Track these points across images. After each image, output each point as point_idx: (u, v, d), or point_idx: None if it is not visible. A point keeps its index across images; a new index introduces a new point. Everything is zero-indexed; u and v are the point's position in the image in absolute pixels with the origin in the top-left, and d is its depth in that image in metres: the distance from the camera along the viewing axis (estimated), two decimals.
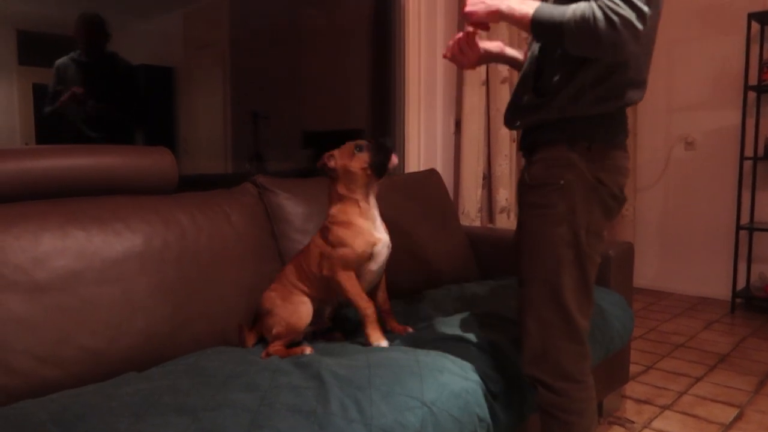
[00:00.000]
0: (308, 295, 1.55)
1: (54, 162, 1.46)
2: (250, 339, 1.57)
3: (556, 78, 1.24)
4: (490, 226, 3.13)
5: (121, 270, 1.41)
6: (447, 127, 3.08)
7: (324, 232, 1.55)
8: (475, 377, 1.32)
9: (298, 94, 2.81)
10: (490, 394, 1.33)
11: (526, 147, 1.34)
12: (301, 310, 1.52)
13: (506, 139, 3.09)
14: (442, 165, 3.02)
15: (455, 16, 3.04)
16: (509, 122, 1.42)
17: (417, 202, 2.28)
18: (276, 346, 1.48)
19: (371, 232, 1.52)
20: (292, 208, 1.88)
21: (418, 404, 1.16)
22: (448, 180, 3.03)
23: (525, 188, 1.31)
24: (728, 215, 3.86)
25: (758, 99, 3.76)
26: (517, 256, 1.33)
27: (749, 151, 3.75)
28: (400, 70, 2.95)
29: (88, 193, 1.53)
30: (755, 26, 3.68)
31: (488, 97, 3.07)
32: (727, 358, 2.84)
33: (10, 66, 1.92)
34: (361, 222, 1.52)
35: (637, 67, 1.24)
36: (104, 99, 2.12)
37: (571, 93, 1.23)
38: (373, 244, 1.51)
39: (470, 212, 2.99)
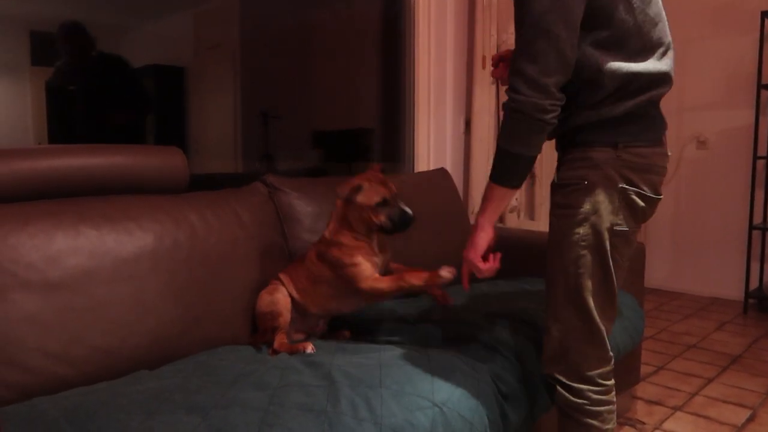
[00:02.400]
0: (302, 305, 1.56)
1: (66, 161, 1.47)
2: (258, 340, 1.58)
3: (572, 93, 1.23)
4: (499, 225, 3.13)
5: (132, 269, 1.42)
6: (457, 126, 3.07)
7: (322, 254, 1.53)
8: (487, 378, 1.32)
9: (308, 94, 2.81)
10: (501, 395, 1.33)
11: (558, 148, 1.34)
12: (277, 297, 1.54)
13: None
14: (451, 164, 3.02)
15: (465, 16, 3.03)
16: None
17: (426, 202, 2.28)
18: (278, 341, 1.49)
19: (370, 254, 1.50)
20: (303, 207, 1.89)
21: (428, 404, 1.16)
22: (457, 179, 3.02)
23: (553, 188, 1.30)
24: (741, 215, 3.82)
25: None
26: (547, 258, 1.33)
27: (762, 151, 3.72)
28: (409, 70, 2.95)
29: (100, 193, 1.54)
30: None
31: (498, 96, 3.06)
32: (739, 359, 2.82)
33: (23, 66, 1.94)
34: (359, 245, 1.50)
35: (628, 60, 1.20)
36: (102, 100, 2.12)
37: (589, 103, 1.21)
38: (374, 264, 1.50)
39: None
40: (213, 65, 2.50)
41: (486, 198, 1.28)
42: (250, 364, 1.33)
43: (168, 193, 1.66)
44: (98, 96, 2.14)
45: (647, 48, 1.21)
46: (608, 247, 1.23)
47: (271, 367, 1.29)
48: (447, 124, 3.01)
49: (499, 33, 3.01)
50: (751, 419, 2.19)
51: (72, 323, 1.31)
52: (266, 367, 1.30)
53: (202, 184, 1.83)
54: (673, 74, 1.25)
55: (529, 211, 3.28)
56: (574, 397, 1.28)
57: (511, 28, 3.00)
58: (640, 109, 1.22)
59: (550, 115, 1.16)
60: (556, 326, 1.29)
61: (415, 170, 2.94)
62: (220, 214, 1.66)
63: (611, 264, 1.24)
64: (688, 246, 4.11)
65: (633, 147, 1.22)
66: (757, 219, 3.78)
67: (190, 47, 2.40)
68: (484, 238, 1.30)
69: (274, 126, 2.63)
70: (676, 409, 2.27)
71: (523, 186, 3.21)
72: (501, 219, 3.14)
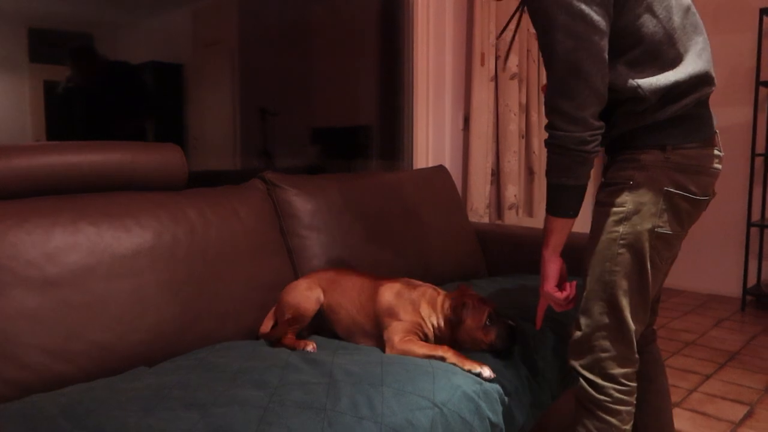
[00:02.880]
0: (327, 319, 1.56)
1: (65, 158, 1.47)
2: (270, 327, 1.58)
3: (615, 104, 1.23)
4: (498, 222, 3.13)
5: (131, 265, 1.42)
6: (455, 123, 3.07)
7: (391, 306, 1.48)
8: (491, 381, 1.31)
9: (307, 91, 2.81)
10: (504, 395, 1.33)
11: (607, 152, 1.34)
12: (310, 296, 1.54)
13: (515, 135, 3.07)
14: (450, 161, 3.02)
15: (464, 13, 3.03)
16: None
17: (425, 198, 2.28)
18: (290, 336, 1.49)
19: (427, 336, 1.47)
20: (301, 204, 1.89)
21: (428, 404, 1.15)
22: (456, 176, 3.02)
23: (600, 187, 1.32)
24: (739, 212, 3.83)
25: None
26: (585, 252, 1.33)
27: (761, 148, 3.72)
28: (408, 67, 2.94)
29: (98, 189, 1.54)
30: (767, 21, 3.64)
31: (497, 93, 3.06)
32: (737, 356, 2.82)
33: (21, 63, 1.93)
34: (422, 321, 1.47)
35: (662, 70, 1.19)
36: (111, 106, 2.14)
37: (635, 111, 1.21)
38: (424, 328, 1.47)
39: (478, 209, 2.98)
40: (211, 62, 2.49)
41: (548, 230, 1.28)
42: (250, 361, 1.33)
43: (167, 189, 1.66)
44: (106, 102, 2.15)
45: (683, 51, 1.20)
46: (648, 249, 1.23)
47: (272, 365, 1.29)
48: (446, 120, 3.01)
49: (497, 30, 3.00)
50: (748, 415, 2.19)
51: (70, 320, 1.31)
52: (266, 364, 1.30)
53: (200, 180, 1.82)
54: (713, 71, 1.25)
55: (528, 208, 3.28)
56: (596, 392, 1.28)
57: (510, 25, 3.00)
58: (687, 111, 1.22)
59: (591, 146, 1.18)
60: (585, 320, 1.29)
61: (414, 167, 2.94)
62: (219, 211, 1.66)
63: (649, 266, 1.24)
64: (687, 243, 4.12)
65: (682, 149, 1.21)
66: (756, 216, 3.79)
67: (189, 44, 2.39)
68: (554, 269, 1.30)
69: (273, 123, 2.62)
70: (674, 405, 2.27)
71: (522, 183, 3.21)
72: (500, 216, 3.14)
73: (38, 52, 1.94)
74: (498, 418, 1.27)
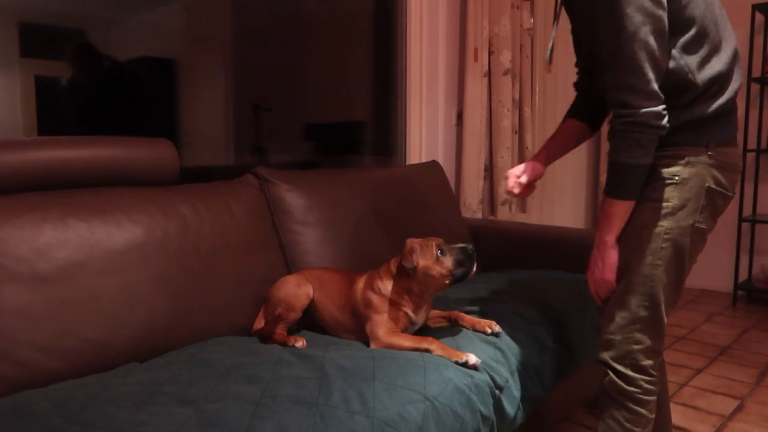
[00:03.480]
0: (315, 315, 1.56)
1: (55, 153, 1.46)
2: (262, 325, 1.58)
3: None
4: (491, 218, 3.13)
5: (122, 261, 1.42)
6: (449, 118, 3.07)
7: (364, 294, 1.48)
8: (481, 373, 1.31)
9: (300, 87, 2.80)
10: (496, 388, 1.33)
11: None
12: (299, 292, 1.54)
13: (508, 131, 3.08)
14: (443, 157, 3.02)
15: (457, 8, 3.02)
16: None
17: (418, 194, 2.28)
18: (278, 331, 1.49)
19: (411, 311, 1.46)
20: (294, 199, 1.88)
21: (420, 398, 1.16)
22: (449, 172, 3.03)
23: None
24: (731, 207, 3.84)
25: (762, 91, 3.75)
26: (621, 245, 1.34)
27: (752, 143, 3.74)
28: (402, 62, 2.94)
29: (89, 185, 1.53)
30: (759, 18, 3.65)
31: (490, 88, 3.06)
32: (728, 351, 2.84)
33: (12, 58, 1.91)
34: (404, 307, 1.45)
35: (704, 67, 1.22)
36: (107, 104, 2.14)
37: (681, 104, 1.23)
38: (408, 321, 1.46)
39: (472, 204, 2.99)
40: (204, 57, 2.48)
41: (612, 216, 1.28)
42: (242, 357, 1.33)
43: (158, 185, 1.65)
44: (98, 97, 2.15)
45: (723, 39, 1.24)
46: (688, 244, 1.27)
47: (264, 360, 1.29)
48: (439, 116, 3.01)
49: (491, 25, 3.00)
50: (739, 409, 2.21)
51: (61, 316, 1.30)
52: (258, 359, 1.30)
53: (193, 176, 1.81)
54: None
55: (521, 204, 3.28)
56: (626, 384, 1.31)
57: (504, 20, 3.01)
58: (728, 105, 1.26)
59: (665, 120, 1.19)
60: (621, 313, 1.31)
61: (407, 162, 2.94)
62: (211, 207, 1.65)
63: (687, 260, 1.28)
64: None
65: (722, 147, 1.26)
66: (747, 212, 3.81)
67: (181, 39, 2.38)
68: (615, 256, 1.32)
69: (266, 118, 2.61)
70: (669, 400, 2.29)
71: None
72: (492, 212, 3.15)
73: (29, 47, 1.93)
74: (489, 411, 1.28)
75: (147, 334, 1.42)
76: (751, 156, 3.77)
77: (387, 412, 1.10)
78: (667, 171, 1.26)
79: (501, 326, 1.52)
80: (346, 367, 1.23)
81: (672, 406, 2.23)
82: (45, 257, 1.32)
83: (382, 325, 1.42)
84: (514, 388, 1.40)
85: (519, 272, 2.15)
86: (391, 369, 1.22)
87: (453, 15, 3.01)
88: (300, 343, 1.43)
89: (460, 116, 3.05)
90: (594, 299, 1.41)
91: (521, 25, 3.16)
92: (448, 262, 1.40)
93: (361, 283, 1.51)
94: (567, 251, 2.20)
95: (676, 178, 1.25)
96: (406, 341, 1.38)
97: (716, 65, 1.22)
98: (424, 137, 2.95)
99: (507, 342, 1.48)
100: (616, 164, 1.24)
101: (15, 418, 1.05)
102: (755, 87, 3.71)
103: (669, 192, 1.26)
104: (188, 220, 1.57)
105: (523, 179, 1.48)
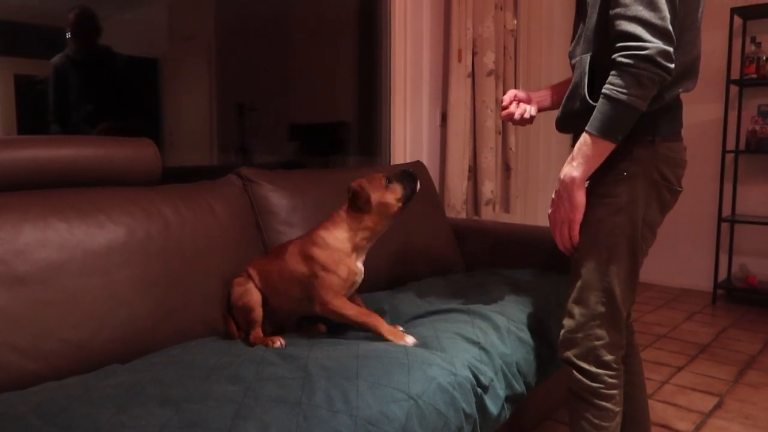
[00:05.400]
0: (272, 305, 1.56)
1: (35, 153, 1.44)
2: (234, 327, 1.57)
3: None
4: (475, 218, 3.15)
5: (103, 262, 1.40)
6: (433, 119, 3.08)
7: (306, 253, 1.50)
8: (464, 372, 1.32)
9: (284, 87, 2.79)
10: (479, 387, 1.34)
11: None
12: (245, 290, 1.54)
13: (492, 132, 3.10)
14: (428, 157, 3.03)
15: (441, 9, 3.04)
16: (563, 129, 1.40)
17: None
18: (253, 334, 1.51)
19: (355, 263, 1.50)
20: (278, 199, 1.88)
21: (403, 397, 1.16)
22: (434, 172, 3.03)
23: (591, 177, 1.29)
24: (710, 208, 3.91)
25: (740, 93, 3.81)
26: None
27: (731, 145, 3.80)
28: (386, 63, 2.94)
29: (69, 185, 1.51)
30: (738, 21, 3.71)
31: (474, 89, 3.07)
32: (707, 349, 2.88)
33: None
34: (348, 251, 1.49)
35: (683, 52, 1.21)
36: (102, 94, 2.12)
37: None
38: (355, 274, 1.50)
39: (456, 204, 3.00)
40: (188, 56, 2.46)
41: (586, 155, 1.20)
42: (224, 357, 1.32)
43: (140, 185, 1.64)
44: (79, 96, 2.12)
45: (695, 35, 1.25)
46: (640, 238, 1.28)
47: (246, 360, 1.29)
48: (423, 117, 3.02)
49: (475, 26, 3.02)
50: (718, 406, 2.24)
51: (41, 317, 1.29)
52: (241, 360, 1.29)
53: (175, 176, 1.80)
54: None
55: (504, 204, 3.30)
56: (590, 381, 1.31)
57: (488, 22, 3.02)
58: (675, 101, 1.27)
59: (672, 66, 1.13)
60: (579, 310, 1.32)
61: (392, 163, 2.94)
62: (194, 207, 1.64)
63: (639, 254, 1.29)
64: (659, 238, 4.16)
65: (667, 142, 1.26)
66: (726, 212, 3.87)
67: (165, 38, 2.37)
68: (584, 196, 1.26)
69: (250, 118, 2.60)
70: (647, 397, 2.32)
71: (499, 178, 3.24)
72: (476, 212, 3.16)
73: (8, 46, 1.90)
74: (472, 409, 1.28)
75: (129, 335, 1.40)
76: (729, 157, 3.83)
77: (370, 411, 1.10)
78: (615, 166, 1.26)
79: (484, 326, 1.53)
80: (329, 366, 1.23)
81: (652, 403, 2.26)
82: (24, 258, 1.30)
83: (331, 287, 1.44)
84: (498, 387, 1.41)
85: (503, 271, 2.17)
86: (375, 368, 1.22)
87: (437, 16, 3.03)
88: (278, 343, 1.44)
89: (444, 117, 3.06)
90: (558, 246, 1.37)
91: (504, 26, 3.18)
92: (397, 187, 1.48)
93: (296, 245, 1.53)
94: (550, 251, 2.22)
95: (625, 173, 1.25)
96: (352, 310, 1.43)
97: (681, 57, 1.20)
98: (409, 137, 2.95)
99: (491, 341, 1.48)
100: (609, 99, 1.15)
101: None
102: (734, 89, 3.77)
103: (619, 187, 1.26)
104: (171, 221, 1.56)
105: (532, 111, 1.49)
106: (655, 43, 1.11)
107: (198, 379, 1.19)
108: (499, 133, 3.20)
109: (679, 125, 1.31)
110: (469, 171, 3.10)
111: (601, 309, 1.30)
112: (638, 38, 1.11)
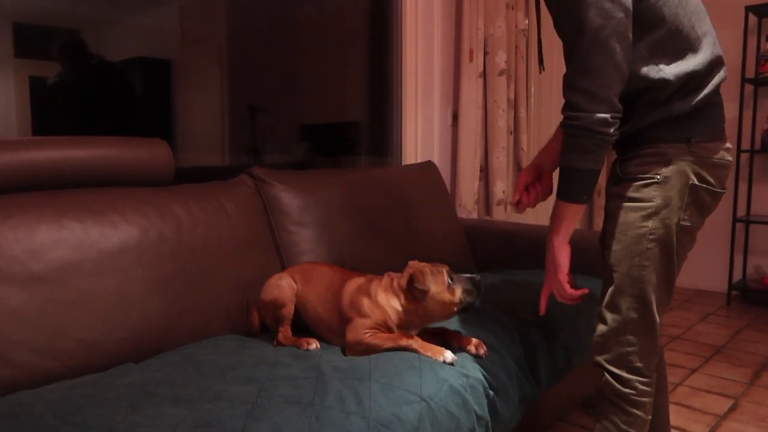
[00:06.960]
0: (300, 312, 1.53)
1: (50, 153, 1.46)
2: (256, 317, 1.57)
3: (633, 97, 1.22)
4: (486, 218, 3.14)
5: (117, 262, 1.41)
6: (444, 119, 3.07)
7: (355, 299, 1.41)
8: (476, 374, 1.31)
9: (295, 87, 2.80)
10: (491, 389, 1.33)
11: (619, 146, 1.31)
12: (281, 284, 1.51)
13: (503, 131, 3.08)
14: (439, 157, 3.02)
15: (452, 9, 3.03)
16: None
17: (414, 194, 2.29)
18: (282, 333, 1.48)
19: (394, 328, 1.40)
20: (289, 199, 1.88)
21: (416, 399, 1.16)
22: (445, 172, 3.03)
23: (618, 181, 1.29)
24: (725, 208, 3.86)
25: (755, 92, 3.77)
26: (603, 247, 1.33)
27: (746, 144, 3.76)
28: (397, 63, 2.94)
29: (84, 185, 1.53)
30: (753, 19, 3.67)
31: (485, 89, 3.07)
32: (722, 350, 2.86)
33: (6, 59, 1.91)
34: (393, 320, 1.39)
35: (694, 41, 1.20)
36: (99, 104, 2.14)
37: (657, 102, 1.21)
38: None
39: (467, 204, 2.99)
40: (199, 58, 2.48)
41: (559, 217, 1.27)
42: (237, 357, 1.32)
43: (153, 185, 1.65)
44: (93, 97, 2.15)
45: (701, 35, 1.22)
46: (675, 243, 1.24)
47: (259, 361, 1.29)
48: (434, 116, 3.01)
49: (486, 26, 3.01)
50: (733, 408, 2.22)
51: (56, 316, 1.30)
52: (253, 360, 1.30)
53: (188, 177, 1.81)
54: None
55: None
56: (622, 386, 1.29)
57: (499, 21, 3.01)
58: (709, 99, 1.23)
59: (613, 129, 1.16)
60: (612, 316, 1.29)
61: (403, 163, 2.94)
62: (206, 207, 1.65)
63: (675, 259, 1.26)
64: None
65: (705, 142, 1.23)
66: (741, 212, 3.83)
67: (177, 40, 2.38)
68: (565, 257, 1.30)
69: (262, 119, 2.61)
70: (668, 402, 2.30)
71: (510, 179, 3.22)
72: (488, 212, 3.15)
73: (24, 48, 1.92)
74: (484, 411, 1.28)
75: (142, 335, 1.41)
76: (744, 156, 3.79)
77: (383, 413, 1.10)
78: (647, 169, 1.24)
79: (496, 327, 1.52)
80: (341, 367, 1.23)
81: None
82: (39, 258, 1.31)
83: (361, 329, 1.36)
84: (510, 389, 1.40)
85: (514, 272, 2.16)
86: (387, 369, 1.22)
87: (448, 16, 3.02)
88: (314, 345, 1.41)
89: (455, 117, 3.06)
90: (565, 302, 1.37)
91: (516, 26, 3.16)
92: (458, 290, 1.36)
93: (354, 284, 1.45)
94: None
95: (658, 176, 1.22)
96: (386, 342, 1.34)
97: (691, 62, 1.19)
98: (420, 138, 2.95)
99: (503, 343, 1.48)
100: (563, 168, 1.22)
101: (10, 420, 1.05)
102: (749, 88, 3.73)
103: (651, 191, 1.23)
104: (183, 221, 1.57)
105: (545, 188, 1.52)
106: (588, 114, 1.14)
107: (211, 379, 1.19)
108: (511, 133, 3.19)
109: (716, 124, 1.26)
110: (481, 171, 3.10)
111: (633, 315, 1.27)
112: (575, 107, 1.15)
